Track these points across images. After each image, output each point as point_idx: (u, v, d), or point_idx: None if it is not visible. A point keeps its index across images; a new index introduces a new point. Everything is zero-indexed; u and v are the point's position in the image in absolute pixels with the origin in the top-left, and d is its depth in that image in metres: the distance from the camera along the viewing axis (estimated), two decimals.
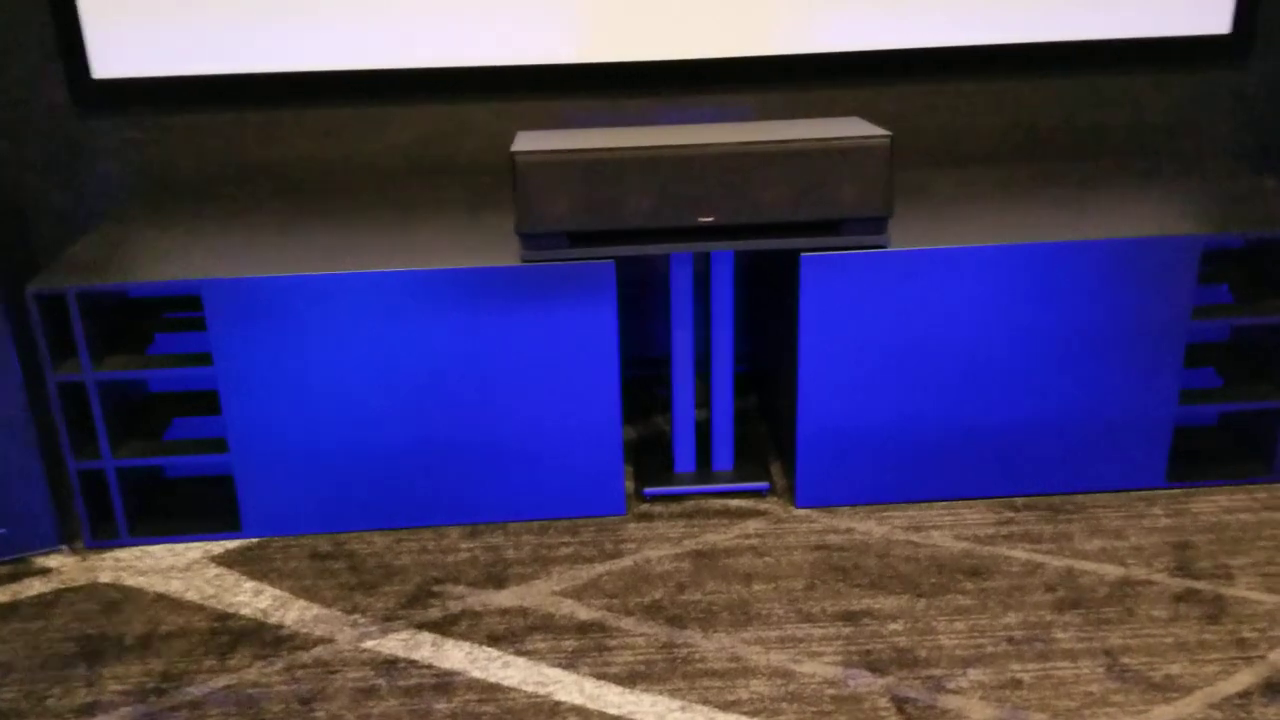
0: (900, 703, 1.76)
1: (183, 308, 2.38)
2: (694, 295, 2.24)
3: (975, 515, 2.26)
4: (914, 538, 2.19)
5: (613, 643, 1.92)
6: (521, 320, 2.14)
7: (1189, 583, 2.03)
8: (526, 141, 2.10)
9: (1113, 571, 2.07)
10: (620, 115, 2.69)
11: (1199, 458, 2.39)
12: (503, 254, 2.15)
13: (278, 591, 2.10)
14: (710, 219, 2.05)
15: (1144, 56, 2.72)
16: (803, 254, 2.11)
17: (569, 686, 1.82)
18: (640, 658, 1.88)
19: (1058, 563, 2.10)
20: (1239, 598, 1.99)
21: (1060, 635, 1.90)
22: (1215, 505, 2.27)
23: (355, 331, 2.13)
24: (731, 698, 1.78)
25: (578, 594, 2.06)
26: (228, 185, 2.69)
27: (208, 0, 2.54)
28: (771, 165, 2.03)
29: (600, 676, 1.84)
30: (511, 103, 2.67)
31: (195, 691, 1.85)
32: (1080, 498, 2.31)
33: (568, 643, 1.93)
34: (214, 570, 2.18)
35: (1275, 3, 2.71)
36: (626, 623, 1.98)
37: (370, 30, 2.58)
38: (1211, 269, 2.39)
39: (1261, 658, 1.83)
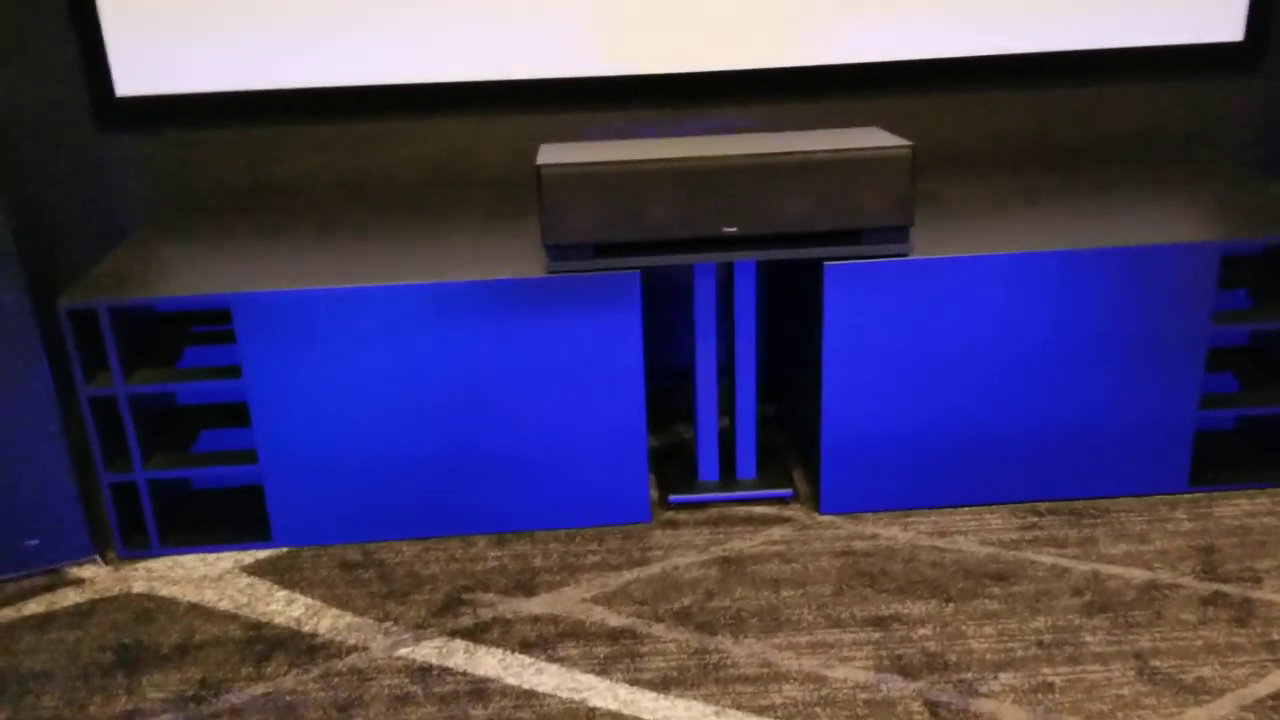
0: (933, 707, 1.77)
1: (209, 322, 2.40)
2: (716, 305, 2.25)
3: (999, 520, 2.27)
4: (939, 543, 2.21)
5: (644, 649, 1.94)
6: (547, 331, 2.16)
7: (1216, 586, 2.04)
8: (551, 154, 2.12)
9: (1139, 575, 2.08)
10: (637, 127, 2.72)
11: (1218, 462, 2.41)
12: (527, 266, 2.18)
13: (310, 600, 2.12)
14: (734, 229, 2.07)
15: (1157, 64, 2.75)
16: (826, 263, 2.13)
17: (603, 692, 1.84)
18: (672, 664, 1.90)
19: (1084, 567, 2.11)
20: (1267, 600, 2.00)
21: (1089, 639, 1.92)
22: (1238, 509, 2.28)
23: (383, 343, 2.15)
24: (765, 703, 1.80)
25: (607, 601, 2.08)
26: (249, 201, 2.71)
27: (229, 17, 2.57)
28: (794, 176, 2.05)
29: (634, 682, 1.86)
30: (529, 116, 2.70)
31: (234, 699, 1.86)
32: (1103, 502, 2.32)
33: (600, 649, 1.94)
34: (246, 580, 2.20)
35: None
36: (657, 629, 1.99)
37: (387, 46, 2.61)
38: (1228, 274, 2.41)
39: None
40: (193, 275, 2.21)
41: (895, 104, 2.74)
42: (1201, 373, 2.25)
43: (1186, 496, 2.33)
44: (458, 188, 2.73)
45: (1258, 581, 2.06)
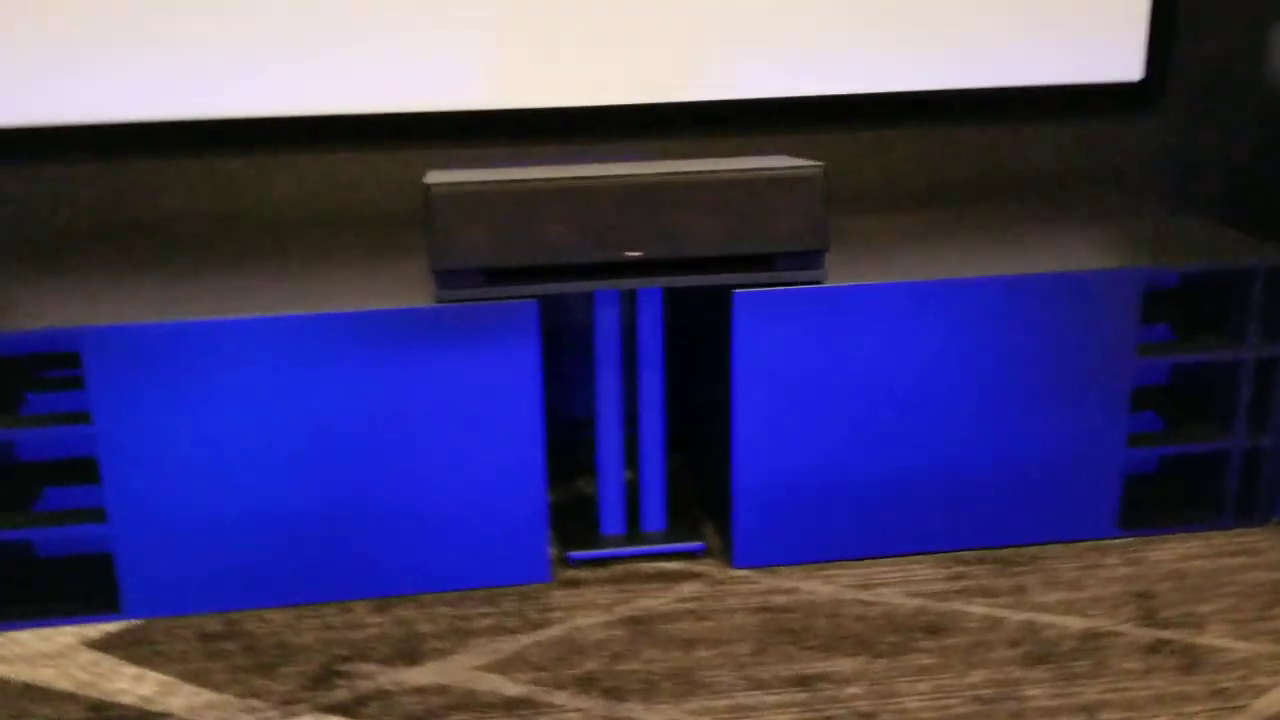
0: None
1: (58, 366, 2.15)
2: (620, 342, 2.09)
3: (925, 571, 2.12)
4: (864, 596, 2.04)
5: (545, 719, 1.73)
6: (435, 368, 1.97)
7: (1158, 633, 1.91)
8: (440, 175, 1.95)
9: (1076, 624, 1.94)
10: (529, 162, 2.56)
11: (1147, 504, 2.29)
12: (412, 298, 1.99)
13: (162, 677, 1.87)
14: (638, 254, 1.92)
15: (1057, 103, 2.70)
16: (736, 291, 1.98)
17: None
18: None
19: (1018, 616, 1.97)
20: (1211, 646, 1.87)
21: (1032, 692, 1.76)
22: (1171, 553, 2.17)
23: (250, 384, 1.93)
24: None
25: (502, 668, 1.86)
26: (111, 239, 2.48)
27: (85, 45, 2.36)
28: (701, 196, 1.91)
29: None
30: (415, 150, 2.53)
31: None
32: (1031, 549, 2.19)
33: None
34: (89, 655, 1.93)
35: (1186, 50, 2.72)
36: (559, 697, 1.78)
37: (259, 78, 2.43)
38: (1149, 310, 2.32)
39: (1244, 707, 1.71)
40: (37, 313, 1.97)
41: (793, 141, 2.63)
42: (1128, 410, 2.15)
43: (1117, 541, 2.21)
44: (339, 224, 2.54)
45: (1200, 627, 1.93)
